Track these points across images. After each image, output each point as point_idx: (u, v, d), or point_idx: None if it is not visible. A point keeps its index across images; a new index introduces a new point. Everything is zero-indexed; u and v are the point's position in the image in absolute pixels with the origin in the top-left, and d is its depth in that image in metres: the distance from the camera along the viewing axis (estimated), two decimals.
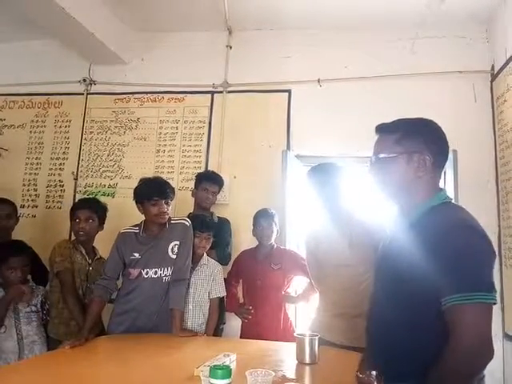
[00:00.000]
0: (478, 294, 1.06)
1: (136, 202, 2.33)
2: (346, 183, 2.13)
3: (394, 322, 1.16)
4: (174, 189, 2.39)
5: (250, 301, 2.58)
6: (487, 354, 1.06)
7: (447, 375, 1.07)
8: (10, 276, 2.28)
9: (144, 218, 2.35)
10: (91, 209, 2.52)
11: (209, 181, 2.92)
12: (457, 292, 1.07)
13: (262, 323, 2.48)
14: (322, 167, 2.20)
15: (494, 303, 1.07)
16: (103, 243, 2.57)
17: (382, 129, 1.30)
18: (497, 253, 2.89)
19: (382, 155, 1.25)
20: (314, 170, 2.21)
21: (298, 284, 2.71)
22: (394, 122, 1.30)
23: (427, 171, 1.23)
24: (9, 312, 2.26)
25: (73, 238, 2.72)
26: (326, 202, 2.13)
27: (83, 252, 2.50)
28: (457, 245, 1.10)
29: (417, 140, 1.23)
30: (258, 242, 2.69)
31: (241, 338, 2.53)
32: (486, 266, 1.11)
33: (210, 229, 2.52)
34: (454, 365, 1.06)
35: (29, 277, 2.43)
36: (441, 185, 1.32)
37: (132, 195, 2.36)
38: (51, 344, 2.33)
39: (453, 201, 1.30)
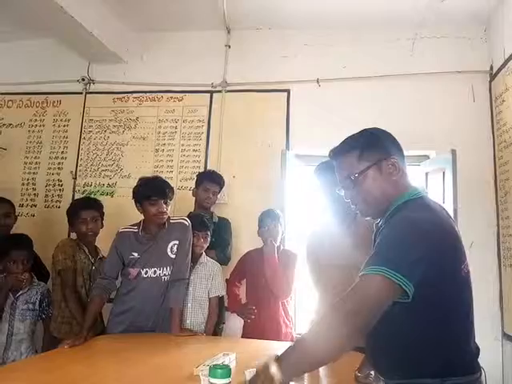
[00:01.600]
0: (380, 267, 1.06)
1: (135, 202, 2.32)
2: None
3: (394, 319, 1.17)
4: (173, 188, 2.39)
5: (254, 301, 2.57)
6: (360, 318, 1.06)
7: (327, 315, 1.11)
8: (12, 268, 2.29)
9: (143, 218, 2.35)
10: (95, 208, 2.56)
11: (210, 180, 2.92)
12: (365, 267, 1.10)
13: (265, 323, 2.47)
14: (332, 165, 2.16)
15: (397, 282, 1.04)
16: (103, 242, 2.58)
17: (337, 153, 1.33)
18: (495, 252, 2.92)
19: (353, 176, 1.25)
20: (323, 167, 2.15)
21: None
22: (344, 142, 1.33)
23: (398, 174, 1.25)
24: (6, 307, 2.27)
25: (72, 236, 2.72)
26: (333, 201, 2.10)
27: (86, 251, 2.50)
28: (387, 234, 1.14)
29: (377, 148, 1.26)
30: (260, 242, 2.67)
31: (242, 337, 2.53)
32: (405, 250, 1.08)
33: (207, 227, 2.53)
34: (332, 314, 1.10)
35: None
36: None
37: (131, 194, 2.36)
38: (53, 343, 2.33)
39: (426, 196, 1.29)
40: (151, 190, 2.27)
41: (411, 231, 1.12)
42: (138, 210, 2.32)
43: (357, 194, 1.27)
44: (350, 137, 1.32)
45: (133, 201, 2.35)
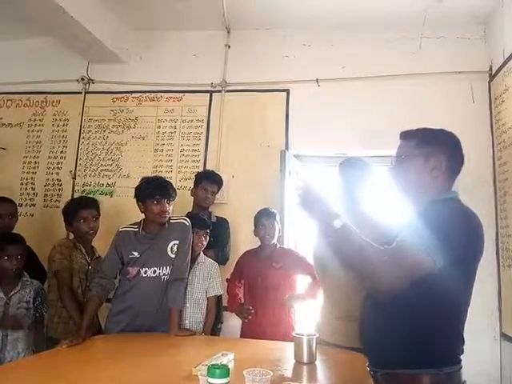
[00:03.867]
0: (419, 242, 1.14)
1: (137, 201, 2.32)
2: (375, 183, 2.10)
3: (391, 307, 1.19)
4: (175, 189, 2.40)
5: (251, 301, 2.57)
6: (391, 282, 1.15)
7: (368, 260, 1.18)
8: (5, 264, 2.28)
9: (143, 217, 2.35)
10: (95, 207, 2.56)
11: (208, 180, 2.92)
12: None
13: (263, 323, 2.47)
14: (358, 163, 2.15)
15: (432, 258, 1.13)
16: (102, 242, 2.57)
17: (404, 135, 1.45)
18: (494, 253, 2.92)
19: (402, 156, 1.39)
20: (347, 164, 2.15)
21: (301, 283, 2.69)
22: (416, 129, 1.44)
23: (442, 174, 1.34)
24: None
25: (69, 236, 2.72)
26: (350, 199, 2.06)
27: (83, 251, 2.50)
28: (435, 217, 1.21)
29: (434, 146, 1.36)
30: (258, 242, 2.68)
31: (241, 337, 2.53)
32: (446, 239, 1.14)
33: (207, 226, 2.54)
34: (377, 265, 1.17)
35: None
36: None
37: (130, 194, 2.37)
38: (50, 343, 2.32)
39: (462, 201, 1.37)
40: (155, 189, 2.27)
41: (461, 218, 1.23)
42: (140, 208, 2.32)
43: (398, 172, 1.41)
44: (425, 127, 1.44)
45: (132, 200, 2.34)
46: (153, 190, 2.27)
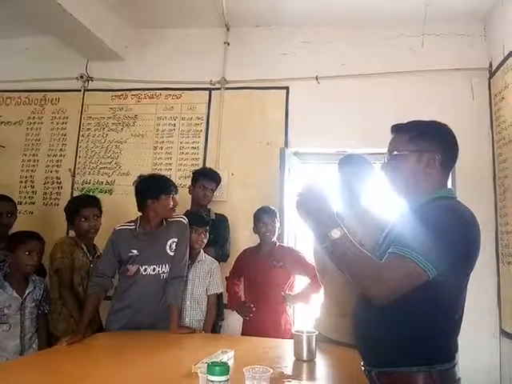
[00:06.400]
0: (413, 252, 1.12)
1: (146, 198, 2.28)
2: (374, 181, 2.10)
3: (384, 306, 1.18)
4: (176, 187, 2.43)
5: (252, 298, 2.58)
6: (384, 295, 1.13)
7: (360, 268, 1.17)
8: (25, 259, 2.25)
9: (140, 215, 2.34)
10: (96, 206, 2.57)
11: (206, 178, 2.92)
12: (400, 245, 1.16)
13: (263, 321, 2.47)
14: (358, 160, 2.16)
15: (426, 271, 1.11)
16: (102, 240, 2.57)
17: (396, 129, 1.39)
18: (494, 250, 2.92)
19: (394, 153, 1.34)
20: (346, 160, 2.16)
21: (300, 284, 2.70)
22: (408, 122, 1.38)
23: (436, 169, 1.30)
24: (14, 309, 2.20)
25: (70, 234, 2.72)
26: (349, 196, 2.06)
27: (84, 249, 2.50)
28: (429, 217, 1.18)
29: (428, 140, 1.31)
30: (258, 239, 2.68)
31: (242, 335, 2.53)
32: (441, 242, 1.13)
33: (206, 223, 2.54)
34: (366, 275, 1.16)
35: None
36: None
37: (129, 192, 2.38)
38: (52, 340, 2.32)
39: (458, 199, 1.33)
40: (169, 185, 2.33)
41: (452, 219, 1.18)
42: (148, 206, 2.27)
43: (391, 169, 1.36)
44: (417, 120, 1.39)
45: (132, 198, 2.35)
46: (167, 185, 2.32)
